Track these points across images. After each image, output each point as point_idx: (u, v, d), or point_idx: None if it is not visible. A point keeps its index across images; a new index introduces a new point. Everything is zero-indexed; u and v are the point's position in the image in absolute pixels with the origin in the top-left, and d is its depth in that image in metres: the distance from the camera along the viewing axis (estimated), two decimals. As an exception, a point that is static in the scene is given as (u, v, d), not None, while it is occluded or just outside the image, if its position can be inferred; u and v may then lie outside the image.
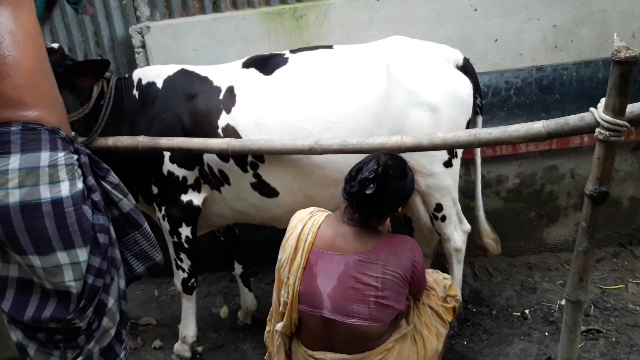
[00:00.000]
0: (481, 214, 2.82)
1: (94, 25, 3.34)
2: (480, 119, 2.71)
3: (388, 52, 2.46)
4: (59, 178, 1.63)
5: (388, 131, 2.36)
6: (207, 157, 2.52)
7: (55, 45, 2.52)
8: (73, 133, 2.48)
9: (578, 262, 1.88)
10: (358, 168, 2.00)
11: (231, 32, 3.14)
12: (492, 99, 3.19)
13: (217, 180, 2.57)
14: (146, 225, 2.01)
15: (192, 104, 2.51)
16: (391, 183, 1.95)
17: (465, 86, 2.50)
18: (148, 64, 3.21)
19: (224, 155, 2.45)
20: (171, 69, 2.64)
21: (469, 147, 2.53)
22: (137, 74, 2.68)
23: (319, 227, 2.03)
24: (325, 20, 3.10)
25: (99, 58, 2.57)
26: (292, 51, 2.56)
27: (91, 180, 1.76)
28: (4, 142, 1.55)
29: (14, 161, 1.56)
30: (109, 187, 1.86)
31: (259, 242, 3.39)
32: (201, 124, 2.49)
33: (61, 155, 1.65)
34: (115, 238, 1.87)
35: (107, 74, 2.60)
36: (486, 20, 3.06)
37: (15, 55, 1.56)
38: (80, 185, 1.70)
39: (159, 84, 2.59)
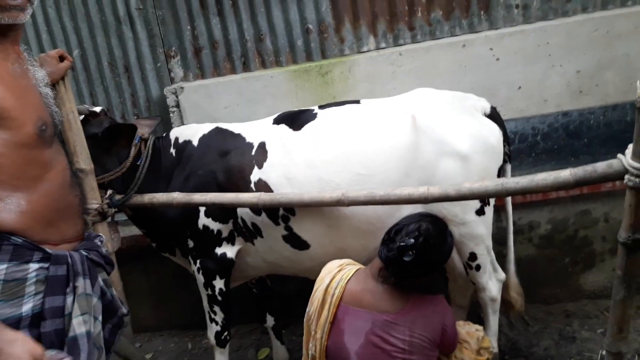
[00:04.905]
0: (512, 267, 2.77)
1: (131, 87, 3.55)
2: (509, 166, 2.69)
3: (414, 104, 2.50)
4: None
5: (417, 182, 2.37)
6: (240, 211, 2.58)
7: (98, 109, 2.68)
8: (110, 191, 2.62)
9: (617, 312, 1.83)
10: (397, 230, 1.99)
11: (260, 90, 3.28)
12: (519, 145, 3.20)
13: (250, 233, 2.62)
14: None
15: (226, 160, 2.59)
16: (431, 251, 1.95)
17: (494, 133, 2.50)
18: (182, 123, 3.36)
19: (256, 208, 2.50)
20: (206, 128, 2.75)
21: (496, 197, 2.52)
22: (174, 133, 2.80)
23: (347, 282, 2.02)
24: (349, 75, 3.21)
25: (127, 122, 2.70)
26: (321, 107, 2.63)
27: (54, 302, 1.45)
28: None
29: None
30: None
31: (291, 293, 3.39)
32: (235, 179, 2.55)
33: None
34: None
35: (145, 135, 2.74)
36: (509, 69, 3.11)
37: None
38: (23, 308, 1.40)
39: (195, 142, 2.69)
